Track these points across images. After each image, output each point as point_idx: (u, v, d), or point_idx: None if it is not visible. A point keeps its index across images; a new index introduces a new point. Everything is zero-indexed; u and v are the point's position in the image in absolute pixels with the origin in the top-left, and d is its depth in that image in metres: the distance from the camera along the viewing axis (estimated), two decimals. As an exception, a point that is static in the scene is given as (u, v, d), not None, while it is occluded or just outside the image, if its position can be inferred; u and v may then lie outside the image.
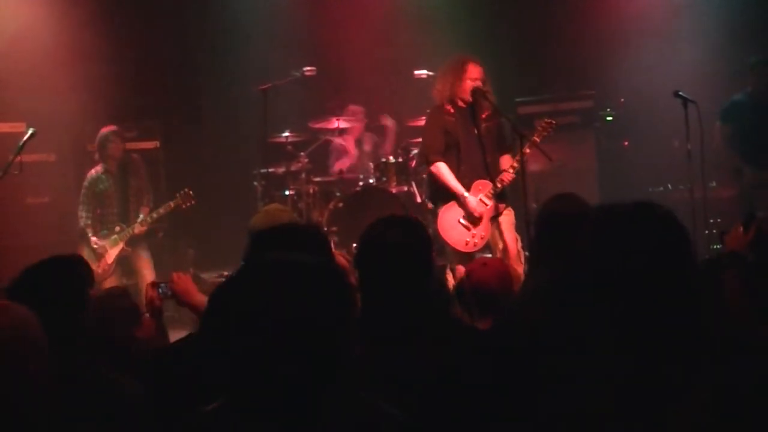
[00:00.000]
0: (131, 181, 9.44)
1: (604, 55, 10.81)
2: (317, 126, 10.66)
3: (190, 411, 2.30)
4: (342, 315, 2.23)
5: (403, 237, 3.49)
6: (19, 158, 8.13)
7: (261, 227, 4.79)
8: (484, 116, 8.04)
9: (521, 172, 7.68)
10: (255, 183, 10.41)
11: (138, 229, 9.28)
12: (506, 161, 7.99)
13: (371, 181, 10.04)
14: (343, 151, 11.00)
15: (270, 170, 10.39)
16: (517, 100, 10.44)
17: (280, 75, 10.26)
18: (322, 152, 10.83)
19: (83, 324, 3.67)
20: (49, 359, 3.12)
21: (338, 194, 10.08)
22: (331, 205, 9.93)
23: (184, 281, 4.37)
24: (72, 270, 3.79)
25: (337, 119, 10.51)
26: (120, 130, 9.48)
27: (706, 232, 9.36)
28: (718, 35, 10.25)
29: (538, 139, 7.85)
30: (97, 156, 9.50)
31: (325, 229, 9.80)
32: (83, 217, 9.37)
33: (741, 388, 2.28)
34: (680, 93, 8.60)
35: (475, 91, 7.88)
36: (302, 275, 2.23)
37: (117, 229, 9.29)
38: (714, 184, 9.78)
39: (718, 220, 9.57)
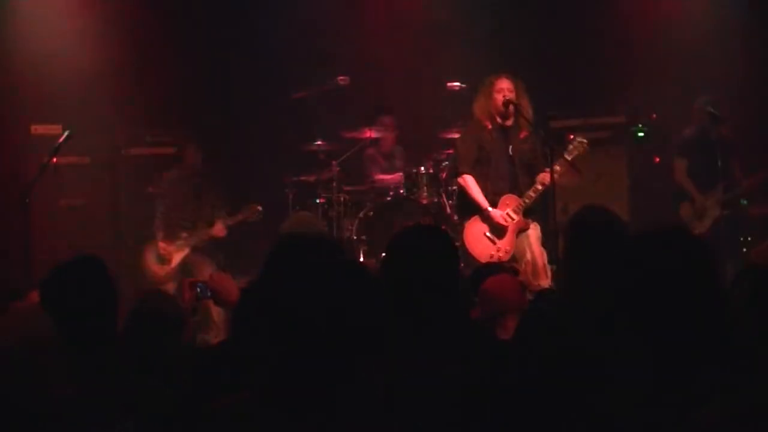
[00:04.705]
0: (207, 190, 9.55)
1: (637, 70, 10.81)
2: (349, 135, 10.69)
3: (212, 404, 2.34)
4: (369, 312, 2.28)
5: (429, 245, 3.52)
6: (54, 160, 8.21)
7: (288, 234, 4.85)
8: (521, 135, 8.11)
9: (551, 188, 7.73)
10: (286, 191, 10.46)
11: (216, 233, 9.37)
12: (541, 177, 8.02)
13: (401, 191, 10.07)
14: (376, 162, 11.03)
15: (301, 178, 10.45)
16: (549, 113, 10.42)
17: (314, 84, 10.32)
18: (354, 161, 10.85)
19: (115, 323, 3.72)
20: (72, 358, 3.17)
21: (369, 204, 10.12)
22: (361, 214, 9.96)
23: (223, 280, 4.29)
24: (101, 269, 3.82)
25: (370, 129, 10.55)
26: (198, 144, 9.70)
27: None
28: (751, 51, 10.25)
29: (569, 158, 7.90)
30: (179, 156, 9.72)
31: (355, 237, 9.84)
32: (158, 218, 9.54)
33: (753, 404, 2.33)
34: (710, 109, 8.64)
35: (506, 102, 7.94)
36: (328, 274, 2.28)
37: (184, 235, 9.37)
38: (745, 202, 9.78)
39: (749, 238, 9.56)
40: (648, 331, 2.50)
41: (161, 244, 9.37)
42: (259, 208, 9.48)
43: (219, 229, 9.36)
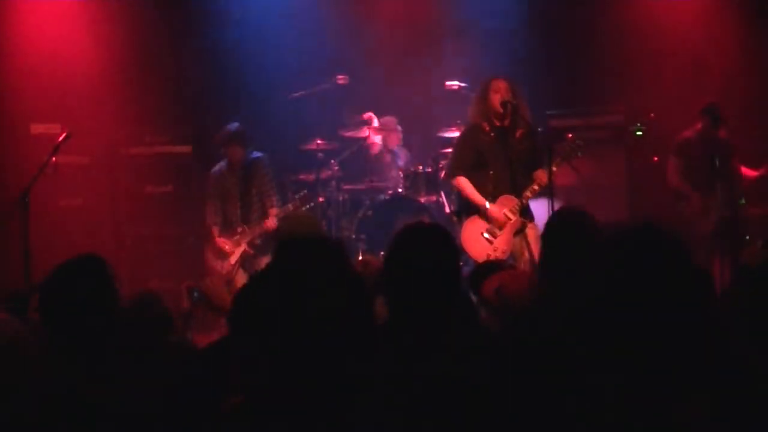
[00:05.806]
0: (254, 182, 9.50)
1: (636, 69, 10.83)
2: (348, 134, 10.69)
3: (211, 409, 2.35)
4: (358, 316, 2.29)
5: (431, 243, 3.53)
6: (53, 159, 8.21)
7: (287, 233, 4.86)
8: (518, 135, 8.13)
9: (549, 188, 7.75)
10: (286, 190, 10.45)
11: (268, 226, 9.33)
12: (539, 177, 8.03)
13: (400, 190, 10.08)
14: (376, 159, 11.04)
15: (301, 177, 10.45)
16: (549, 113, 10.45)
17: (313, 83, 10.32)
18: (353, 160, 10.85)
19: (114, 323, 3.72)
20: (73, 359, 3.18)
21: (367, 202, 10.12)
22: (360, 213, 9.97)
23: (217, 286, 4.31)
24: (101, 269, 3.82)
25: (369, 128, 10.56)
26: (241, 136, 9.52)
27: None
28: (750, 52, 10.28)
29: (565, 159, 7.96)
30: (222, 151, 9.60)
31: (354, 236, 9.85)
32: (210, 214, 9.50)
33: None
34: (708, 109, 8.66)
35: (504, 103, 7.97)
36: (319, 279, 2.29)
37: (239, 230, 9.35)
38: (743, 201, 9.79)
39: (746, 237, 9.57)
40: (626, 330, 2.51)
41: (219, 240, 9.34)
42: (305, 192, 9.42)
43: (272, 222, 9.30)
